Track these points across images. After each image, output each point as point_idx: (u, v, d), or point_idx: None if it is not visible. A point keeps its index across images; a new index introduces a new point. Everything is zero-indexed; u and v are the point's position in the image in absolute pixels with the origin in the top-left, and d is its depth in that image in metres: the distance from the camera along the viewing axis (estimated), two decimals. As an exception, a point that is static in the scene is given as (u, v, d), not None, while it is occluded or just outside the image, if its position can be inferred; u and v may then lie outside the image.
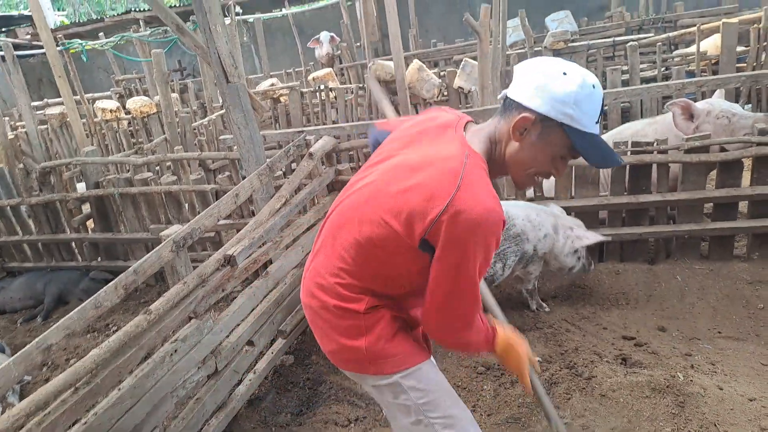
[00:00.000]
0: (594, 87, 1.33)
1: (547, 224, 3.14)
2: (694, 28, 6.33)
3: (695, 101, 4.34)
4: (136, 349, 2.14)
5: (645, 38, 7.00)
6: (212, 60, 3.16)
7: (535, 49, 7.18)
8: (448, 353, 2.97)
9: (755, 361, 2.61)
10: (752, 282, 3.29)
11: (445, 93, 7.20)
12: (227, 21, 8.87)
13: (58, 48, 7.73)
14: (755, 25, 6.17)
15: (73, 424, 1.87)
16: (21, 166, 4.77)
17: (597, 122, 1.36)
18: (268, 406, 2.87)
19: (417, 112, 7.16)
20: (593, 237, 3.18)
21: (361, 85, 8.27)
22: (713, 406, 2.21)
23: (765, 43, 6.11)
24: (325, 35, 9.76)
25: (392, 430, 1.78)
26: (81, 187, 4.96)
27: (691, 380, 2.37)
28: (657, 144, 3.43)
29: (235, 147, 4.66)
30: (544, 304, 3.40)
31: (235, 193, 2.98)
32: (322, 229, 1.66)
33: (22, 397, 3.27)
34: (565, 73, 1.32)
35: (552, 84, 1.32)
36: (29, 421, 1.68)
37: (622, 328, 3.04)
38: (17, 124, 9.44)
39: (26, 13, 14.58)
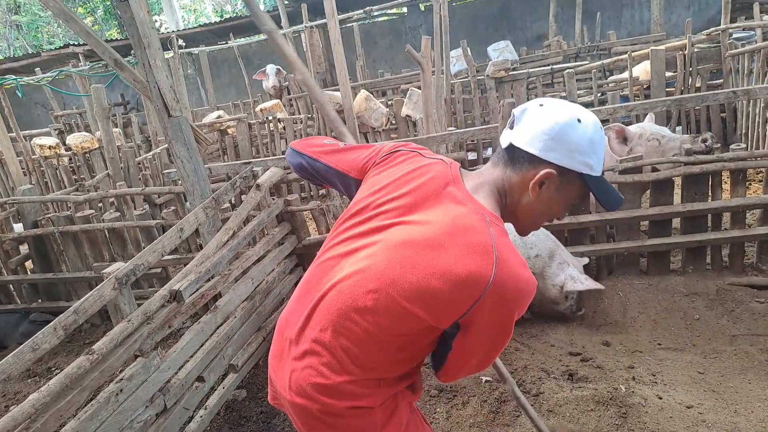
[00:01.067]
0: (602, 127, 1.27)
1: (542, 246, 3.05)
2: (626, 56, 6.71)
3: (629, 124, 4.57)
4: (79, 391, 2.07)
5: (581, 65, 7.38)
6: (153, 94, 3.14)
7: (478, 77, 7.43)
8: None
9: (692, 369, 2.73)
10: (688, 294, 3.46)
11: (393, 121, 7.34)
12: (170, 54, 8.81)
13: (-7, 84, 7.49)
14: (680, 52, 6.61)
15: (9, 476, 1.78)
16: (-49, 206, 4.54)
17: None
18: (220, 444, 2.79)
19: (366, 141, 7.29)
20: (589, 283, 3.10)
21: (310, 115, 8.34)
22: (653, 415, 2.30)
23: (690, 69, 6.55)
24: (271, 68, 9.80)
25: None
26: (18, 227, 4.76)
27: (633, 391, 2.46)
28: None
29: (179, 181, 4.61)
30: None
31: (179, 227, 2.94)
32: (315, 311, 1.33)
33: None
34: (579, 120, 1.23)
35: (570, 133, 1.21)
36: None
37: (568, 344, 3.13)
38: (-52, 163, 9.00)
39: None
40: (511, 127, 1.31)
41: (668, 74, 6.50)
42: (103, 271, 2.47)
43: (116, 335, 2.30)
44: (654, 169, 3.64)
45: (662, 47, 6.56)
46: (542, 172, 1.23)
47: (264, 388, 3.22)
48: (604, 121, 6.04)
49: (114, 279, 2.34)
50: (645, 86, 6.51)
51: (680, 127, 6.49)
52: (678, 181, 3.74)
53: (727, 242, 3.61)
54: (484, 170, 1.37)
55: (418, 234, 1.24)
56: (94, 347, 2.20)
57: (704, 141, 3.59)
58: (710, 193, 3.59)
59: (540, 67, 7.94)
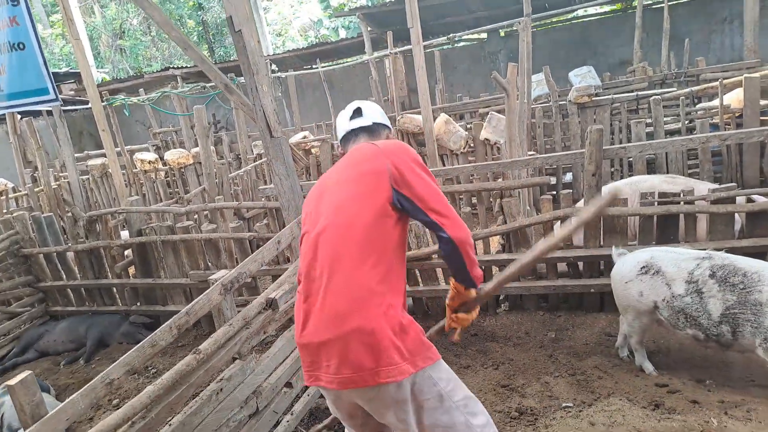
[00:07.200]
0: None
1: None
2: (717, 83, 6.46)
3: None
4: (186, 387, 2.26)
5: (668, 92, 7.15)
6: (257, 116, 3.39)
7: (560, 102, 7.37)
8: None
9: (792, 412, 2.59)
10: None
11: (472, 145, 7.40)
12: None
13: (103, 103, 8.21)
14: (777, 80, 6.27)
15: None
16: (69, 214, 5.03)
17: None
18: (304, 448, 2.92)
19: (444, 164, 7.39)
20: None
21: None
22: (749, 453, 2.21)
23: (788, 97, 6.20)
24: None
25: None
26: (124, 234, 5.19)
27: (725, 426, 2.37)
28: (683, 195, 3.51)
29: (272, 197, 4.88)
30: None
31: (277, 239, 3.15)
32: (317, 256, 1.82)
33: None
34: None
35: (383, 112, 2.23)
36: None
37: (655, 375, 3.05)
38: (60, 174, 9.91)
39: (71, 70, 15.47)
40: (360, 116, 2.16)
41: (762, 102, 6.18)
42: (210, 277, 2.69)
43: (219, 337, 2.50)
44: (749, 200, 3.50)
45: (757, 75, 6.26)
46: (389, 130, 2.21)
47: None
48: (692, 150, 5.85)
49: (220, 285, 2.55)
50: (737, 114, 6.22)
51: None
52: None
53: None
54: (360, 144, 2.07)
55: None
56: (200, 347, 2.39)
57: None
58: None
59: (623, 93, 7.76)
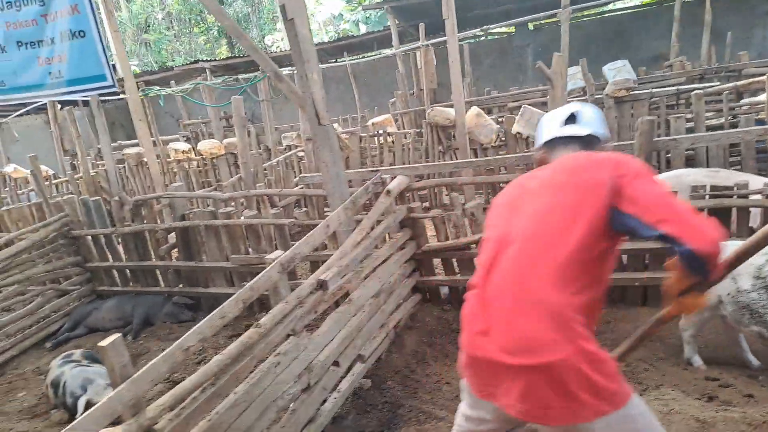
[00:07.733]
0: None
1: None
2: (764, 77, 6.34)
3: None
4: (250, 359, 2.34)
5: (711, 87, 7.03)
6: (307, 104, 3.46)
7: (596, 96, 7.32)
8: None
9: None
10: None
11: (503, 138, 7.39)
12: (289, 70, 9.44)
13: (140, 94, 8.38)
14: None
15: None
16: (116, 198, 5.19)
17: None
18: (350, 425, 2.99)
19: (476, 156, 7.39)
20: None
21: (418, 130, 8.57)
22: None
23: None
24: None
25: None
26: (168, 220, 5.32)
27: (792, 418, 2.33)
28: (737, 188, 3.47)
29: (311, 185, 4.96)
30: None
31: (326, 224, 3.21)
32: (506, 266, 1.61)
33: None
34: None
35: (602, 118, 1.94)
36: (168, 413, 1.89)
37: (704, 369, 3.00)
38: (96, 162, 10.15)
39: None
40: (575, 123, 1.86)
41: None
42: (267, 257, 2.76)
43: (277, 313, 2.57)
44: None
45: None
46: (604, 143, 1.88)
47: (386, 380, 3.39)
48: (735, 145, 5.78)
49: (279, 264, 2.62)
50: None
51: None
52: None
53: None
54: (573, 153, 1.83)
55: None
56: (261, 322, 2.48)
57: None
58: None
59: (660, 88, 7.68)
